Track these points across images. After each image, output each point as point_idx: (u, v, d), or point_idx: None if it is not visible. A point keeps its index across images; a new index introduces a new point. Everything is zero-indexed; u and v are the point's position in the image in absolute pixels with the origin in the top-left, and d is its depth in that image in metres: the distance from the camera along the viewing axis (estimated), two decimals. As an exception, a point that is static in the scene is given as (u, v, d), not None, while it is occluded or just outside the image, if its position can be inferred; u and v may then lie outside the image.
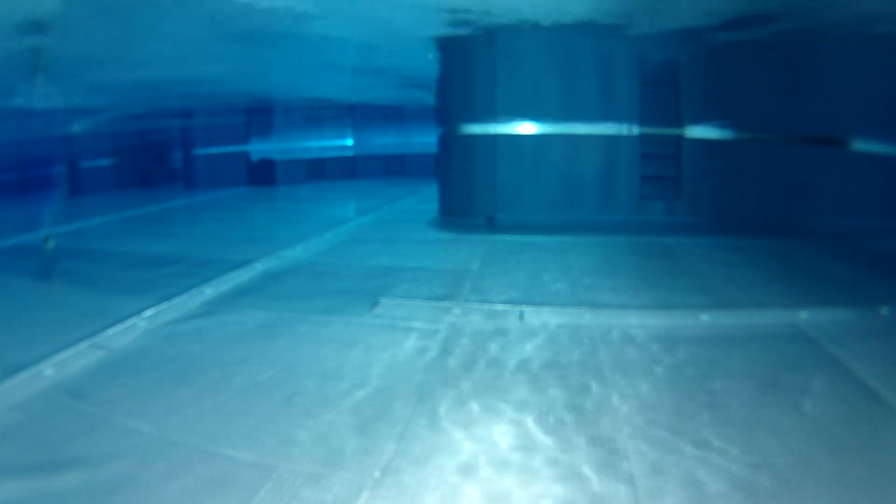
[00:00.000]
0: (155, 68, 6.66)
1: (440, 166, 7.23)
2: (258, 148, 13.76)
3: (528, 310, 3.45)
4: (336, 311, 3.54)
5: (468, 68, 6.50)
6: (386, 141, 14.70)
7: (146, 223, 7.96)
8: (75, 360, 2.86)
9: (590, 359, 2.72)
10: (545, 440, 2.02)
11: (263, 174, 13.58)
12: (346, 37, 6.21)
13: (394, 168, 14.79)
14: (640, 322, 3.22)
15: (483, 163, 6.45)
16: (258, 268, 4.76)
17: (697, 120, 6.20)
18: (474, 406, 2.28)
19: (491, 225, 6.40)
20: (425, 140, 13.12)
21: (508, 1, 5.05)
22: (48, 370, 2.72)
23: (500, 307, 3.51)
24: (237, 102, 10.83)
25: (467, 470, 1.85)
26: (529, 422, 2.15)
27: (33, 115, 9.54)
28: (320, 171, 14.30)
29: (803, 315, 3.24)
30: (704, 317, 3.26)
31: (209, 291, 4.06)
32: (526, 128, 6.26)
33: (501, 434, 2.06)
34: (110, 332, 3.24)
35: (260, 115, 13.42)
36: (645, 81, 6.17)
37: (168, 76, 7.21)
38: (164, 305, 3.71)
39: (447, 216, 6.97)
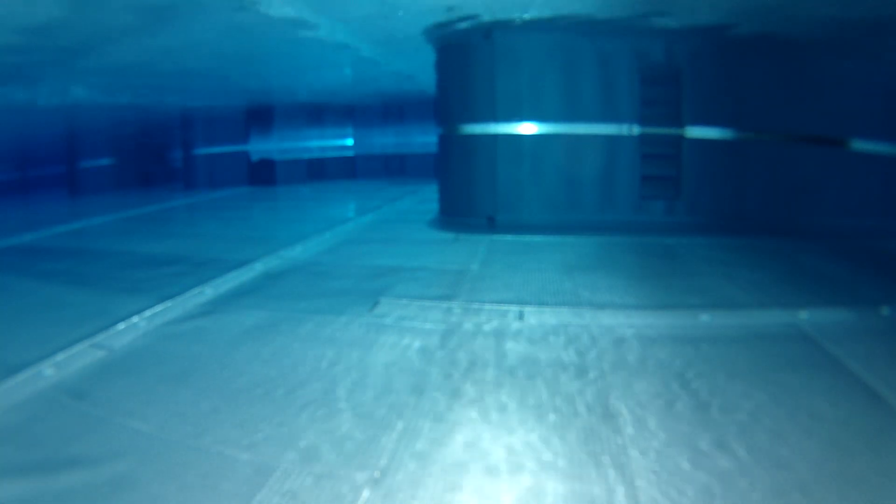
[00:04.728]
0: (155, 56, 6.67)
1: (440, 166, 7.23)
2: (258, 148, 13.76)
3: (528, 309, 3.45)
4: (336, 310, 3.53)
5: (468, 68, 6.50)
6: (386, 141, 14.68)
7: (146, 223, 7.95)
8: (75, 360, 2.86)
9: (590, 358, 2.72)
10: (545, 440, 2.02)
11: (263, 174, 13.57)
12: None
13: (394, 168, 14.77)
14: (641, 322, 3.22)
15: (483, 163, 6.45)
16: (258, 268, 4.76)
17: (698, 120, 6.20)
18: (475, 406, 2.28)
19: (491, 225, 6.40)
20: (425, 140, 13.13)
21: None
22: (48, 370, 2.72)
23: (500, 307, 3.51)
24: (238, 97, 10.81)
25: (467, 470, 1.85)
26: (530, 422, 2.15)
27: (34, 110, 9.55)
28: (320, 171, 14.29)
29: (803, 315, 3.24)
30: (704, 317, 3.26)
31: (209, 291, 4.06)
32: (526, 128, 6.26)
33: (502, 434, 2.06)
34: (110, 332, 3.24)
35: (260, 114, 13.43)
36: (645, 81, 6.17)
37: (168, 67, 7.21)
38: (165, 305, 3.71)
39: (447, 216, 6.96)
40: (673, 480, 1.76)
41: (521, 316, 3.35)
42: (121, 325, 3.34)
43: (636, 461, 1.87)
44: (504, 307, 3.51)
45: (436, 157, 7.84)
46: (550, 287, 3.94)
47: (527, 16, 5.51)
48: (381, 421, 2.18)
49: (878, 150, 6.18)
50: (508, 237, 5.80)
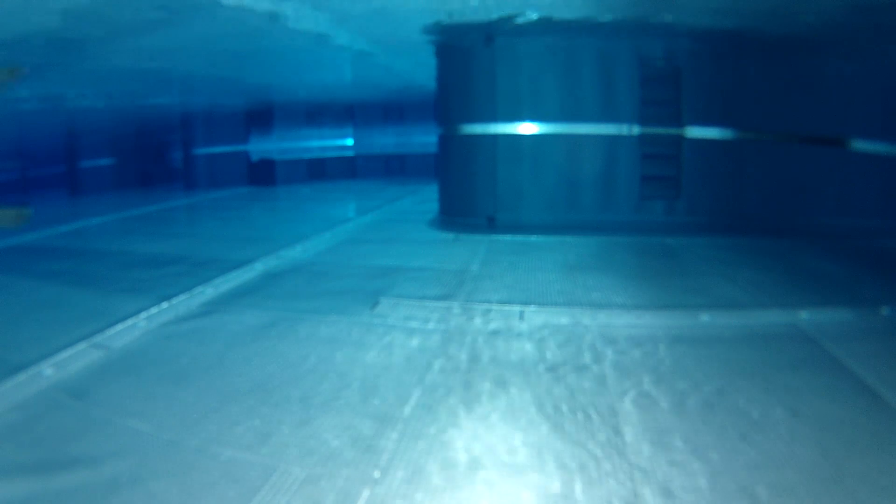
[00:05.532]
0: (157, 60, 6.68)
1: (440, 166, 7.23)
2: (258, 148, 13.76)
3: (528, 309, 3.45)
4: (336, 310, 3.53)
5: (468, 68, 6.50)
6: (386, 141, 14.68)
7: (146, 223, 7.95)
8: (75, 360, 2.86)
9: (590, 358, 2.72)
10: (546, 441, 2.02)
11: (263, 174, 13.57)
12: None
13: (394, 168, 14.78)
14: (640, 322, 3.22)
15: (483, 163, 6.45)
16: (258, 267, 4.76)
17: (697, 120, 6.20)
18: (475, 406, 2.28)
19: (491, 225, 6.40)
20: (425, 140, 13.13)
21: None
22: (48, 370, 2.72)
23: (500, 307, 3.51)
24: (238, 96, 10.82)
25: (467, 470, 1.85)
26: (530, 422, 2.15)
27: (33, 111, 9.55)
28: (320, 171, 14.29)
29: (803, 315, 3.24)
30: (704, 317, 3.26)
31: (209, 291, 4.06)
32: (526, 128, 6.27)
33: (501, 435, 2.06)
34: (110, 332, 3.24)
35: (260, 114, 13.43)
36: (645, 81, 6.17)
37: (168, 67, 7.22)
38: (165, 305, 3.70)
39: (447, 216, 6.97)
40: (672, 479, 1.76)
41: (521, 316, 3.35)
42: (121, 326, 3.34)
43: (636, 461, 1.87)
44: (504, 307, 3.51)
45: (436, 157, 7.85)
46: (550, 287, 3.94)
47: (527, 16, 5.51)
48: (382, 420, 2.18)
49: (878, 150, 6.18)
50: (508, 237, 5.80)
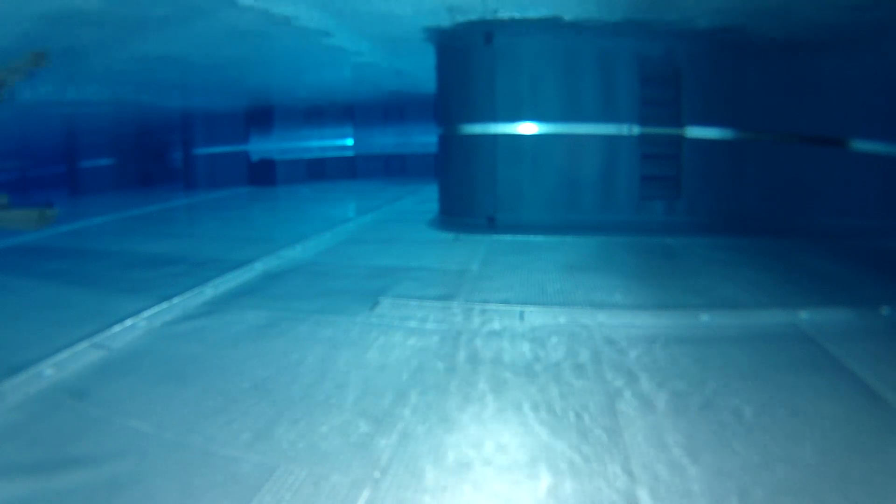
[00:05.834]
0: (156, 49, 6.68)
1: (440, 166, 7.23)
2: (258, 148, 13.76)
3: (528, 309, 3.44)
4: (336, 311, 3.54)
5: (468, 68, 6.50)
6: (386, 141, 14.69)
7: (146, 223, 7.95)
8: (75, 360, 2.86)
9: (590, 359, 2.72)
10: (546, 442, 2.02)
11: (263, 174, 13.58)
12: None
13: (394, 168, 14.79)
14: (640, 322, 3.22)
15: (483, 163, 6.45)
16: (258, 267, 4.76)
17: (697, 120, 6.20)
18: (474, 406, 2.28)
19: (491, 225, 6.40)
20: (425, 140, 13.13)
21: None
22: (48, 370, 2.72)
23: (500, 307, 3.51)
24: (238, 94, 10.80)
25: (466, 470, 1.85)
26: (529, 423, 2.15)
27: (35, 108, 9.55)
28: (320, 171, 14.30)
29: (803, 315, 3.24)
30: (704, 317, 3.26)
31: (209, 291, 4.06)
32: (526, 128, 6.27)
33: (500, 436, 2.06)
34: (110, 332, 3.24)
35: (260, 114, 13.43)
36: (645, 81, 6.17)
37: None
38: (164, 305, 3.70)
39: (447, 216, 6.97)
40: (672, 480, 1.76)
41: (521, 316, 3.35)
42: (121, 326, 3.34)
43: (636, 463, 1.87)
44: (504, 307, 3.51)
45: (436, 157, 7.85)
46: (550, 287, 3.94)
47: (528, 16, 5.51)
48: (382, 420, 2.18)
49: (878, 150, 6.18)
50: (508, 237, 5.80)
